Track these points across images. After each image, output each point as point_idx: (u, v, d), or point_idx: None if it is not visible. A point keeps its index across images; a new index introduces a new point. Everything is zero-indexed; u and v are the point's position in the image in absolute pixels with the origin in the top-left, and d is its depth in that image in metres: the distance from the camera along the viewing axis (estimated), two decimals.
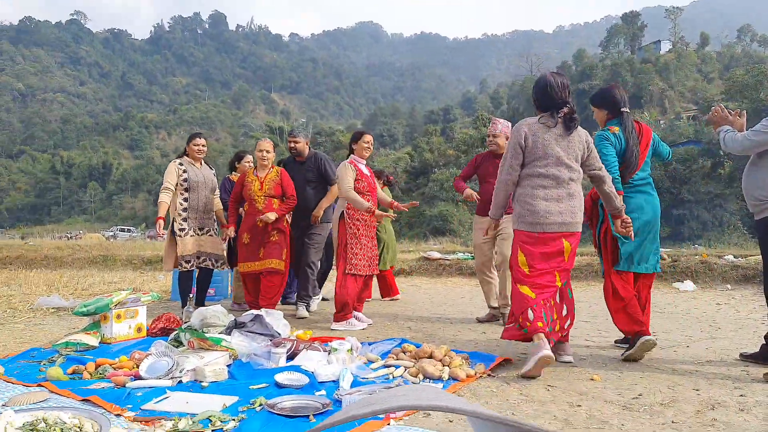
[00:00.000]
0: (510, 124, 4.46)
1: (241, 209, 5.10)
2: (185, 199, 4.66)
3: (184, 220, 4.64)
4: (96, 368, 2.84)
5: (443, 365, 2.86)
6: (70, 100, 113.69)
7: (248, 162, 5.63)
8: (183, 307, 4.72)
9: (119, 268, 10.40)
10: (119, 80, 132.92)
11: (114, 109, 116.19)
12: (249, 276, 4.76)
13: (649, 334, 3.19)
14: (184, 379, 2.67)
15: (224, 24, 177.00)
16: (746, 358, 3.25)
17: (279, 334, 3.31)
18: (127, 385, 2.57)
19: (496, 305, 4.63)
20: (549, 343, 2.85)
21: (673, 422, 2.16)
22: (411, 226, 32.12)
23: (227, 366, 2.87)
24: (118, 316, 3.64)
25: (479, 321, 4.72)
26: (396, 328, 4.36)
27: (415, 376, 2.74)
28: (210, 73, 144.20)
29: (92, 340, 3.44)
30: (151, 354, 2.86)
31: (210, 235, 4.75)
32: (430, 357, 2.96)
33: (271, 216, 4.58)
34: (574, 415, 2.25)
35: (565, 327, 3.09)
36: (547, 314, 2.93)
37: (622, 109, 3.37)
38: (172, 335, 3.35)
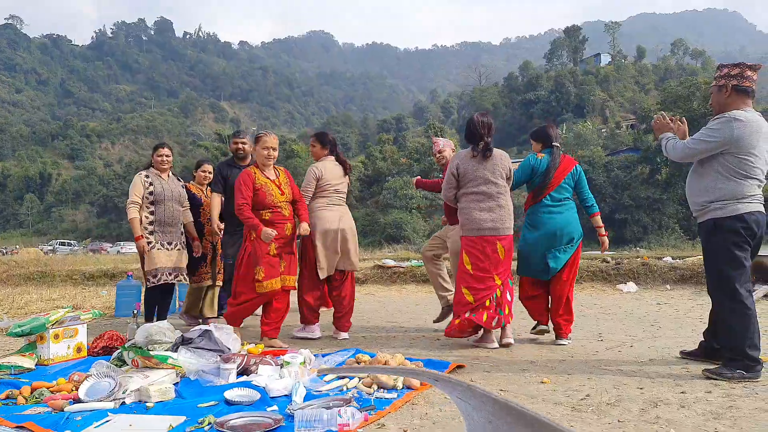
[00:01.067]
0: (449, 140, 4.81)
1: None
2: (151, 213, 4.47)
3: (151, 234, 4.44)
4: (32, 392, 2.67)
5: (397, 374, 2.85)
6: (4, 108, 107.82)
7: (206, 171, 5.38)
8: (147, 320, 4.51)
9: (59, 284, 9.87)
10: (58, 88, 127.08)
11: (52, 117, 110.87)
12: (266, 296, 4.00)
13: (546, 325, 4.12)
14: (128, 401, 2.55)
15: (171, 31, 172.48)
16: (686, 355, 3.40)
17: (229, 349, 3.21)
18: (65, 409, 2.42)
19: (445, 293, 4.55)
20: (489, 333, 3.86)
21: (619, 421, 2.23)
22: (365, 234, 32.10)
23: (174, 384, 2.76)
24: (56, 336, 3.45)
25: (435, 322, 4.67)
26: (350, 338, 4.32)
27: (370, 387, 2.72)
28: (156, 80, 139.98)
29: (28, 362, 3.24)
30: (91, 375, 2.72)
31: (178, 250, 4.57)
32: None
33: (307, 226, 4.14)
34: None
35: (503, 319, 3.78)
36: (486, 312, 3.71)
37: (554, 144, 4.12)
38: (114, 354, 3.21)
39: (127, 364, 3.00)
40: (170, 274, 4.48)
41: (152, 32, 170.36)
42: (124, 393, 2.57)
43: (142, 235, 4.37)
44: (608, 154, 39.06)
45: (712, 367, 2.98)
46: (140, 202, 4.43)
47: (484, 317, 3.68)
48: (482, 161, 3.79)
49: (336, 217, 4.30)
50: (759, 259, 6.82)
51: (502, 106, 68.71)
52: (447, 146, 4.67)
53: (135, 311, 4.04)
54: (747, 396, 2.55)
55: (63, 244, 43.14)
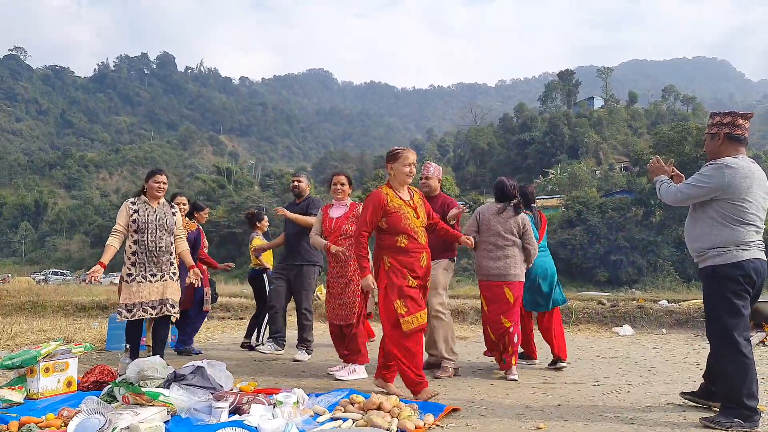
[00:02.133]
0: (439, 167, 4.87)
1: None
2: (135, 242, 4.26)
3: (133, 264, 4.24)
4: (20, 427, 2.62)
5: (392, 417, 2.81)
6: (3, 136, 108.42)
7: (179, 203, 5.43)
8: (132, 357, 4.21)
9: (50, 315, 9.74)
10: (58, 118, 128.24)
11: (51, 146, 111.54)
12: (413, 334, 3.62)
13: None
14: None
15: (172, 65, 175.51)
16: (687, 396, 3.38)
17: (221, 386, 3.16)
18: None
19: (434, 353, 4.49)
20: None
21: None
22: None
23: (165, 423, 2.71)
24: (47, 369, 3.40)
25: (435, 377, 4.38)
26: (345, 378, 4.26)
27: (364, 428, 2.67)
28: (156, 113, 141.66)
29: (16, 396, 3.18)
30: (81, 411, 2.67)
31: (164, 281, 4.30)
32: (379, 408, 2.91)
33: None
34: None
35: (508, 359, 4.28)
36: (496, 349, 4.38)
37: (532, 204, 4.88)
38: (105, 390, 3.15)
39: (118, 401, 2.94)
40: (153, 308, 4.22)
41: (154, 66, 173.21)
42: (113, 430, 2.52)
43: (104, 263, 4.14)
44: (602, 195, 39.44)
45: (709, 415, 2.95)
46: (123, 230, 4.25)
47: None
48: (505, 217, 4.34)
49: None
50: (756, 305, 6.83)
51: (497, 146, 69.64)
52: (435, 175, 4.70)
53: (126, 345, 3.99)
54: None
55: (56, 273, 42.67)
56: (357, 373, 4.28)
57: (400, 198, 3.63)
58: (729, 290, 2.94)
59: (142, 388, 2.93)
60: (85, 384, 3.59)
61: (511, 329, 4.18)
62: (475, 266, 4.63)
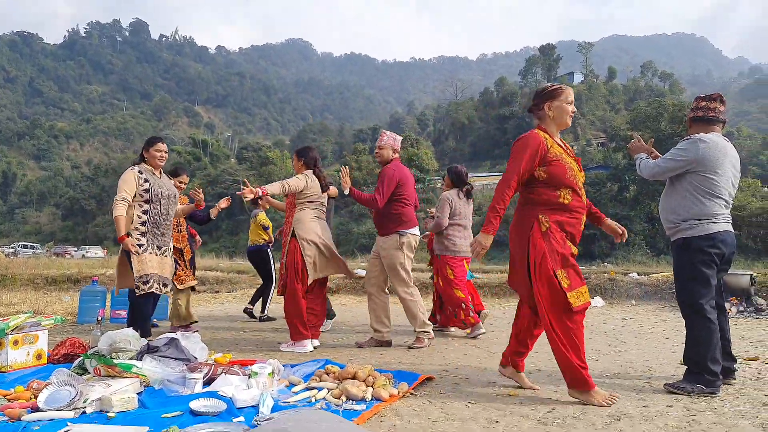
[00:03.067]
0: (397, 136, 4.63)
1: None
2: (145, 212, 4.06)
3: (142, 235, 4.03)
4: None
5: (366, 386, 2.84)
6: None
7: (183, 182, 5.28)
8: (143, 335, 3.85)
9: (19, 288, 9.57)
10: (26, 86, 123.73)
11: (19, 116, 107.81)
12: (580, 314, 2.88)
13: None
14: (89, 410, 2.48)
15: (146, 33, 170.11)
16: (672, 387, 3.12)
17: (195, 358, 3.16)
18: (22, 418, 2.34)
19: (382, 328, 4.45)
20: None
21: None
22: (339, 244, 31.97)
23: (137, 394, 2.69)
24: (15, 342, 3.34)
25: (358, 345, 4.45)
26: (320, 348, 4.29)
27: (338, 398, 2.71)
28: (129, 82, 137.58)
29: None
30: (51, 383, 2.63)
31: (167, 257, 4.19)
32: (354, 378, 2.94)
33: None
34: (493, 431, 2.31)
35: (476, 316, 4.99)
36: (469, 309, 4.94)
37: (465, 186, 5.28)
38: (76, 362, 3.12)
39: (89, 373, 2.92)
40: (161, 284, 4.10)
41: (127, 33, 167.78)
42: (85, 402, 2.50)
43: (129, 234, 3.95)
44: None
45: (673, 381, 3.07)
46: (130, 199, 4.02)
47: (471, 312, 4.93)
48: (460, 201, 5.12)
49: (322, 228, 4.42)
50: (732, 278, 7.05)
51: (477, 120, 69.60)
52: (389, 145, 4.51)
53: (99, 318, 3.93)
54: (706, 411, 2.62)
55: (25, 246, 41.71)
56: (294, 347, 4.21)
57: (559, 145, 3.01)
58: (699, 261, 3.06)
59: (115, 360, 2.90)
60: (56, 357, 3.55)
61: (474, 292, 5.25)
62: (441, 245, 5.06)
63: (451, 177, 5.23)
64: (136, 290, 3.99)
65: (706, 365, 2.96)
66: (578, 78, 74.86)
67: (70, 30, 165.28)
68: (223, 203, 4.71)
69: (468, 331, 5.01)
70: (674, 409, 2.64)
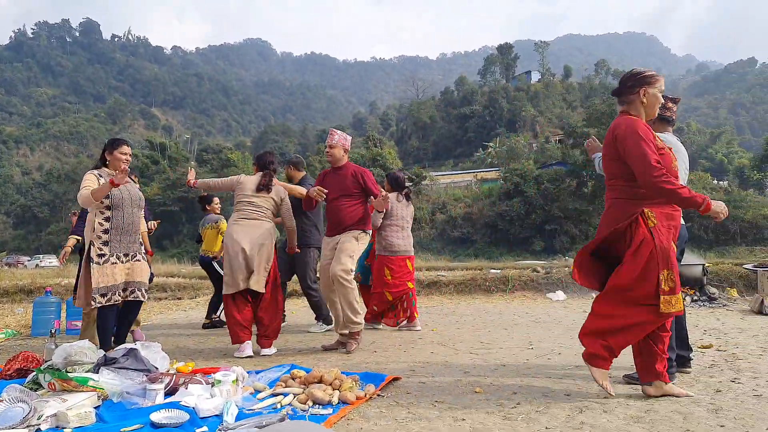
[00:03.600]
0: (348, 136, 4.58)
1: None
2: (107, 219, 3.84)
3: (105, 244, 3.82)
4: None
5: (333, 389, 2.82)
6: None
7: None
8: (103, 347, 3.75)
9: None
10: None
11: None
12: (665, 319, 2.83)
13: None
14: (43, 427, 2.37)
15: (97, 33, 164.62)
16: (630, 378, 3.22)
17: (156, 368, 3.07)
18: None
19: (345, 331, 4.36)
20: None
21: (546, 428, 2.31)
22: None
23: (95, 408, 2.60)
24: None
25: (324, 349, 4.37)
26: (286, 353, 4.24)
27: (304, 403, 2.68)
28: (81, 84, 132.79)
29: None
30: (3, 400, 2.52)
31: (137, 261, 3.99)
32: (320, 381, 2.91)
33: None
34: (459, 429, 2.33)
35: (413, 312, 5.48)
36: (399, 309, 5.48)
37: (405, 190, 5.64)
38: (29, 377, 2.98)
39: (44, 388, 2.80)
40: (123, 290, 3.90)
41: (77, 34, 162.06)
42: (39, 419, 2.40)
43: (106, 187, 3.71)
44: (539, 167, 40.70)
45: (631, 373, 3.16)
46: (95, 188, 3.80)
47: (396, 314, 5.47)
48: (399, 204, 5.47)
49: (243, 232, 4.18)
50: (686, 268, 7.31)
51: (438, 119, 70.27)
52: (340, 144, 4.44)
53: (53, 330, 3.78)
54: (664, 400, 2.71)
55: None
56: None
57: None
58: None
59: (70, 374, 2.80)
60: (8, 372, 3.39)
61: (412, 290, 5.48)
62: (379, 245, 5.42)
63: (390, 182, 5.63)
64: (93, 302, 3.75)
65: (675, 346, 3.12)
66: (536, 76, 76.52)
67: (16, 30, 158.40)
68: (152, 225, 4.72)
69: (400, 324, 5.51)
70: (633, 399, 2.72)
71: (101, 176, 3.89)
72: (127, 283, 3.93)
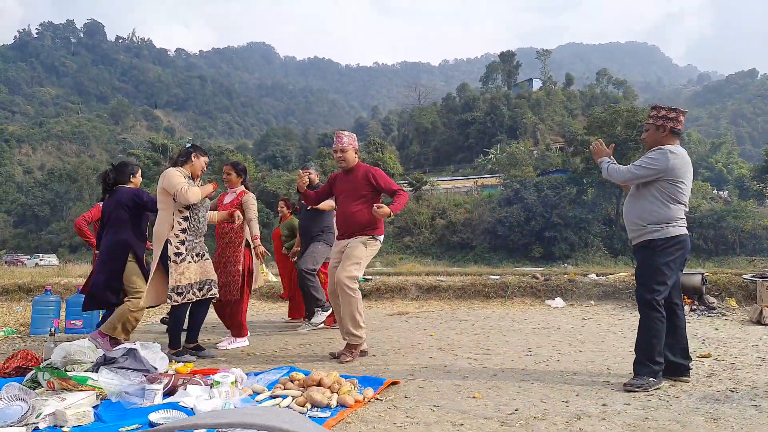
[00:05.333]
0: (354, 135, 4.53)
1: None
2: (185, 219, 4.03)
3: (182, 243, 3.99)
4: None
5: (332, 392, 2.83)
6: None
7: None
8: (173, 349, 4.07)
9: None
10: None
11: None
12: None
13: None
14: (42, 425, 2.38)
15: (102, 34, 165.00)
16: (628, 387, 3.17)
17: (155, 368, 3.07)
18: None
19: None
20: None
21: None
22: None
23: (94, 407, 2.61)
24: None
25: (332, 356, 4.18)
26: (285, 356, 4.24)
27: (303, 406, 2.68)
28: (84, 85, 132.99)
29: None
30: (1, 398, 2.52)
31: (207, 260, 4.24)
32: (319, 384, 2.92)
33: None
34: None
35: None
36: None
37: None
38: (28, 375, 2.98)
39: (42, 386, 2.80)
40: (200, 289, 4.09)
41: (81, 34, 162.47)
42: (37, 417, 2.40)
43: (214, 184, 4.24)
44: (539, 174, 40.74)
45: (629, 380, 3.17)
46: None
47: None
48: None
49: None
50: (685, 277, 7.31)
51: (440, 125, 70.34)
52: (351, 146, 4.36)
53: (52, 328, 3.79)
54: (662, 408, 2.71)
55: None
56: (237, 342, 4.71)
57: None
58: (663, 262, 3.28)
59: (69, 373, 2.80)
60: (7, 370, 3.39)
61: None
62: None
63: None
64: (169, 302, 3.93)
65: (654, 357, 3.19)
66: (537, 84, 76.64)
67: (21, 30, 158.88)
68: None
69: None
70: (632, 407, 2.72)
71: (185, 177, 4.10)
72: (202, 282, 4.14)
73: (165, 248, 3.95)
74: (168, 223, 3.98)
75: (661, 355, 3.21)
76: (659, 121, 3.41)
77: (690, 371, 3.34)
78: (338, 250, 4.30)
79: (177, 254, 3.96)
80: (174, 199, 3.97)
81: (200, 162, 4.21)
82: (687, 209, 3.43)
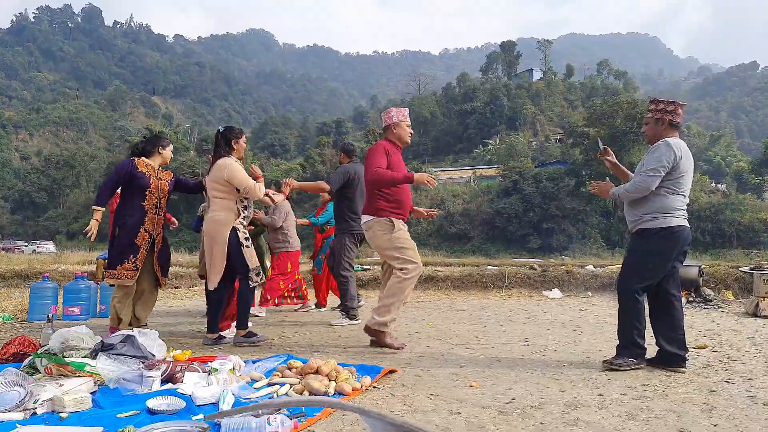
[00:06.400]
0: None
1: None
2: (245, 207, 4.25)
3: (244, 229, 4.23)
4: None
5: (330, 380, 2.83)
6: None
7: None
8: (243, 326, 4.25)
9: None
10: None
11: None
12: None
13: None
14: (39, 411, 2.38)
15: (99, 19, 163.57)
16: (612, 365, 3.36)
17: (153, 355, 3.08)
18: None
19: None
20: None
21: (541, 423, 2.32)
22: (303, 237, 31.75)
23: (91, 393, 2.61)
24: None
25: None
26: (282, 344, 4.25)
27: (301, 394, 2.69)
28: (82, 70, 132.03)
29: None
30: None
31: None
32: (317, 372, 2.92)
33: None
34: (454, 422, 2.34)
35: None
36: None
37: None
38: (26, 361, 2.99)
39: (40, 372, 2.80)
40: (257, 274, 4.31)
41: (79, 19, 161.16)
42: (35, 403, 2.40)
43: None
44: (537, 165, 40.72)
45: (610, 358, 3.40)
46: None
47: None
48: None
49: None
50: (682, 269, 7.34)
51: (439, 115, 70.12)
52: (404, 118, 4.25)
53: (50, 315, 3.78)
54: (658, 398, 2.72)
55: None
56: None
57: None
58: (650, 250, 3.36)
59: (67, 359, 2.80)
60: (4, 356, 3.39)
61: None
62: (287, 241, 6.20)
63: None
64: (251, 281, 4.11)
65: (635, 339, 3.38)
66: (537, 75, 76.35)
67: (18, 14, 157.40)
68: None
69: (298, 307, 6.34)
70: (628, 397, 2.74)
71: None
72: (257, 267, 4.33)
73: (232, 234, 4.06)
74: (233, 211, 4.09)
75: (642, 338, 3.38)
76: (658, 114, 3.46)
77: (686, 362, 3.36)
78: (406, 230, 4.11)
79: (246, 239, 4.16)
80: (237, 189, 4.07)
81: (240, 145, 4.26)
82: (687, 200, 3.44)
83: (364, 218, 4.12)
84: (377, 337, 3.95)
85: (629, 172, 3.75)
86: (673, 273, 3.40)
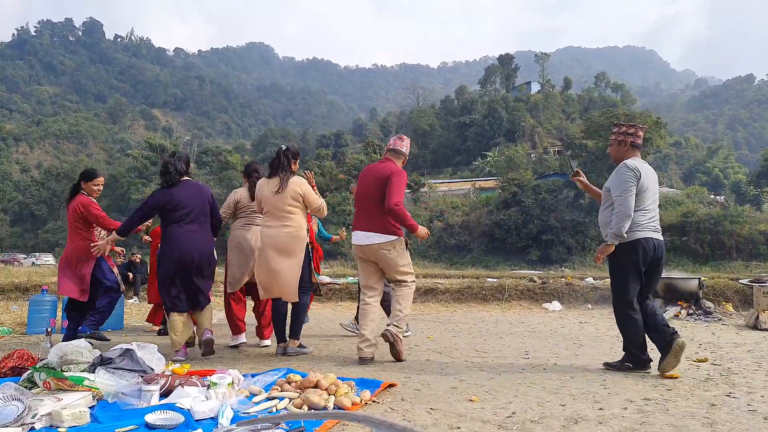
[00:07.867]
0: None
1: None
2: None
3: None
4: None
5: (329, 394, 2.82)
6: None
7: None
8: (298, 339, 4.44)
9: None
10: None
11: None
12: None
13: None
14: (37, 426, 2.37)
15: (100, 33, 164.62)
16: (609, 366, 3.83)
17: (152, 369, 3.07)
18: None
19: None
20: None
21: None
22: None
23: (90, 408, 2.60)
24: None
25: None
26: (282, 357, 4.24)
27: (300, 408, 2.68)
28: (82, 83, 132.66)
29: None
30: None
31: None
32: (316, 386, 2.91)
33: None
34: None
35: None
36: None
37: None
38: (24, 375, 2.98)
39: (38, 386, 2.79)
40: None
41: (80, 33, 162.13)
42: (33, 417, 2.39)
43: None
44: (537, 177, 40.79)
45: (610, 361, 3.80)
46: None
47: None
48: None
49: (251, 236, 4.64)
50: (669, 281, 7.34)
51: (438, 127, 70.37)
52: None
53: (49, 328, 3.78)
54: (659, 412, 2.71)
55: None
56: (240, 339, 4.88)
57: None
58: (627, 262, 3.65)
59: (65, 373, 2.79)
60: (3, 370, 3.37)
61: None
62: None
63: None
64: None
65: (637, 346, 3.68)
66: (535, 87, 76.76)
67: (19, 28, 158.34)
68: None
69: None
70: (629, 411, 2.73)
71: None
72: None
73: (307, 248, 4.24)
74: (306, 226, 4.23)
75: (642, 347, 3.67)
76: (621, 137, 3.78)
77: (650, 363, 3.67)
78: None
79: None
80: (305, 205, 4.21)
81: (296, 165, 4.35)
82: (654, 214, 3.69)
83: (383, 237, 4.03)
84: (396, 343, 4.07)
85: (599, 190, 4.02)
86: (647, 283, 3.69)
